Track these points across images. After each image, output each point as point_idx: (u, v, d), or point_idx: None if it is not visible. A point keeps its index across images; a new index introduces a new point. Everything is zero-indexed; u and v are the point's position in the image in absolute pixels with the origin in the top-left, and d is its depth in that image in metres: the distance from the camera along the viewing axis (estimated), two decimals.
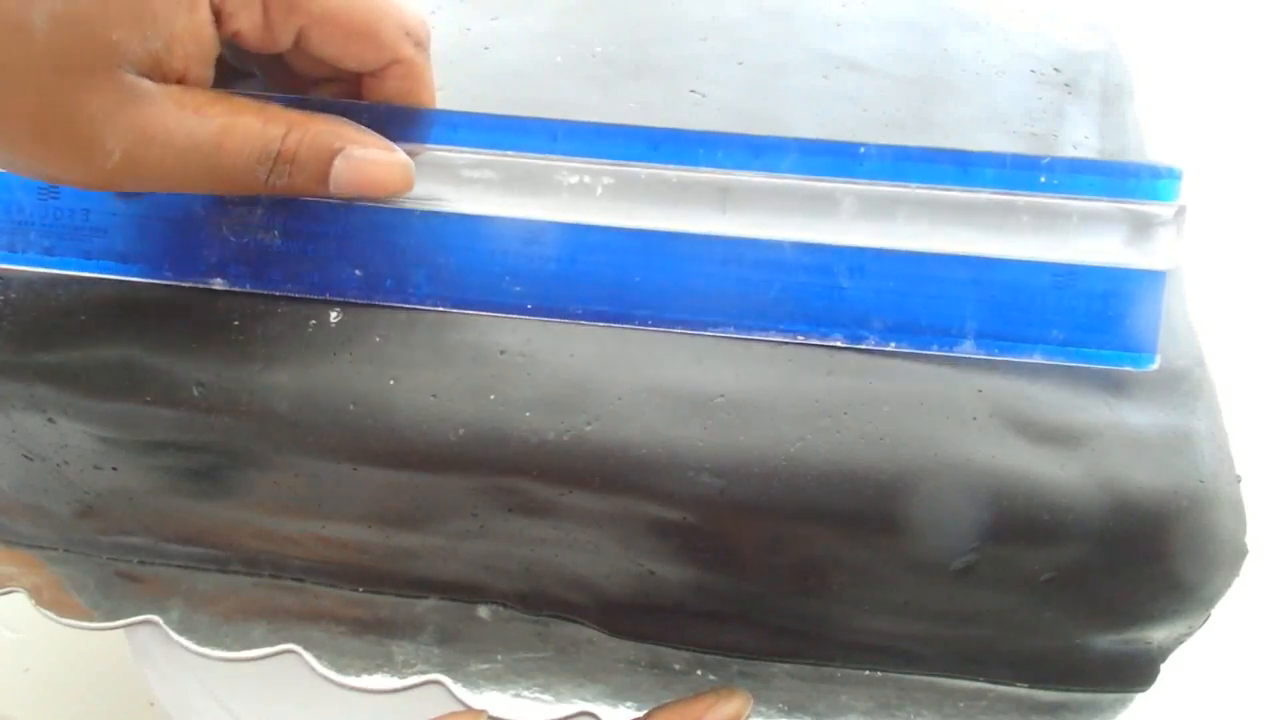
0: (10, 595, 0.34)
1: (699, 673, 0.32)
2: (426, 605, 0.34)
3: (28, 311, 0.29)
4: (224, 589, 0.34)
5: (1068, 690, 0.32)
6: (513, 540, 0.30)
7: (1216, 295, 0.34)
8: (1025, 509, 0.27)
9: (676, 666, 0.32)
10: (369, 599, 0.34)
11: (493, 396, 0.28)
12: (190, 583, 0.34)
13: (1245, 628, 0.32)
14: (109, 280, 0.29)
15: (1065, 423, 0.28)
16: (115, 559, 0.35)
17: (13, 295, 0.30)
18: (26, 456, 0.31)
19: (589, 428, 0.27)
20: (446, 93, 0.35)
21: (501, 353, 0.28)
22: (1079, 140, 0.34)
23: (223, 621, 0.33)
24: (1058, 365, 0.28)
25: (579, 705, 0.31)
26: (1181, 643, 0.31)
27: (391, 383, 0.28)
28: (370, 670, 0.32)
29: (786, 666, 0.32)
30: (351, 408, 0.28)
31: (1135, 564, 0.27)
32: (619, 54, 0.36)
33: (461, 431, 0.28)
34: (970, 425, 0.27)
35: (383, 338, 0.29)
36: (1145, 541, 0.27)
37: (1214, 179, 0.47)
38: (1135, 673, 0.31)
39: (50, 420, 0.29)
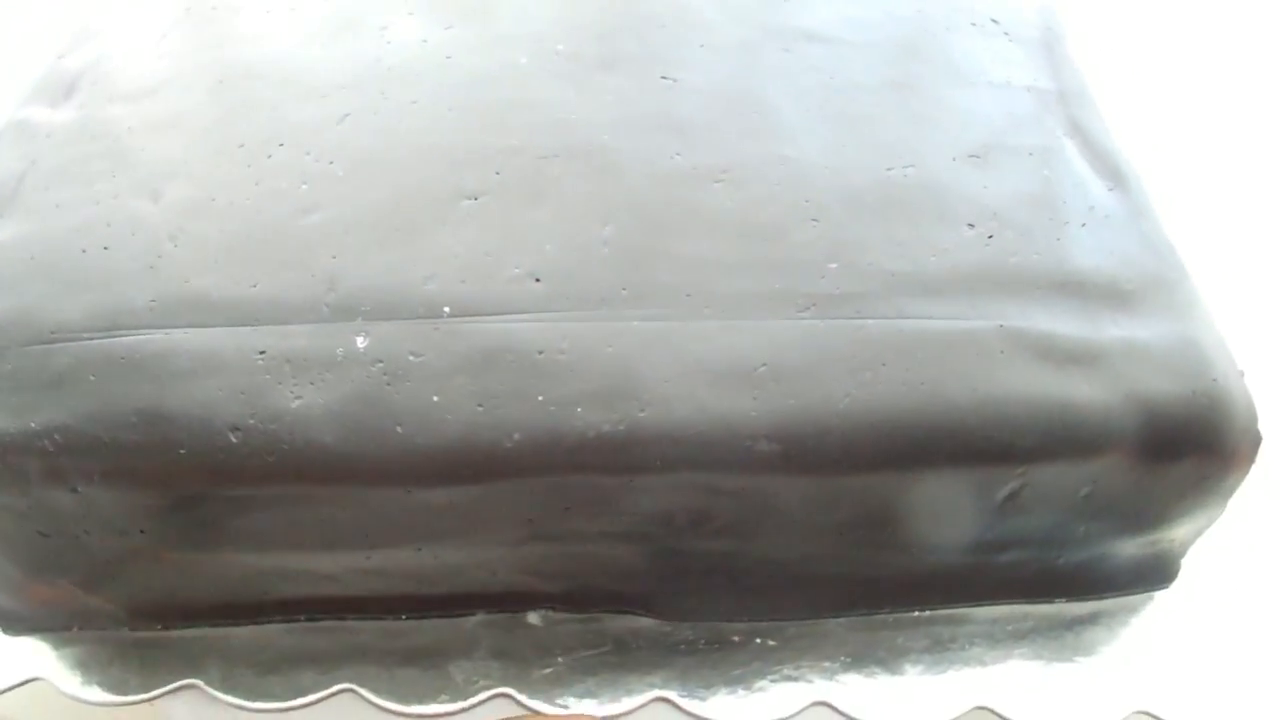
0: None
1: (758, 641, 0.33)
2: (475, 621, 0.33)
3: (30, 378, 0.28)
4: (258, 640, 0.33)
5: (1100, 598, 0.34)
6: (565, 539, 0.30)
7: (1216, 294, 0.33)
8: (1062, 429, 0.28)
9: (735, 639, 0.33)
10: (413, 625, 0.33)
11: (541, 398, 0.28)
12: (222, 639, 0.33)
13: (1256, 523, 0.34)
14: (112, 337, 0.28)
15: (1081, 344, 0.29)
16: (136, 629, 0.33)
17: (8, 367, 0.28)
18: (43, 534, 0.29)
19: (642, 414, 0.28)
20: (420, 105, 0.34)
21: (539, 353, 0.28)
22: (1031, 83, 0.36)
23: (267, 672, 0.32)
24: (1066, 288, 0.30)
25: (651, 694, 0.31)
26: (1199, 536, 0.33)
27: (435, 399, 0.28)
28: (431, 695, 0.32)
29: (841, 621, 0.33)
30: (399, 430, 0.27)
31: (1164, 465, 0.29)
32: (582, 49, 0.36)
33: (517, 436, 0.27)
34: (999, 359, 0.29)
35: (415, 354, 0.28)
36: (1172, 443, 0.29)
37: (1213, 175, 0.48)
38: (1158, 572, 0.33)
39: (73, 490, 0.28)
